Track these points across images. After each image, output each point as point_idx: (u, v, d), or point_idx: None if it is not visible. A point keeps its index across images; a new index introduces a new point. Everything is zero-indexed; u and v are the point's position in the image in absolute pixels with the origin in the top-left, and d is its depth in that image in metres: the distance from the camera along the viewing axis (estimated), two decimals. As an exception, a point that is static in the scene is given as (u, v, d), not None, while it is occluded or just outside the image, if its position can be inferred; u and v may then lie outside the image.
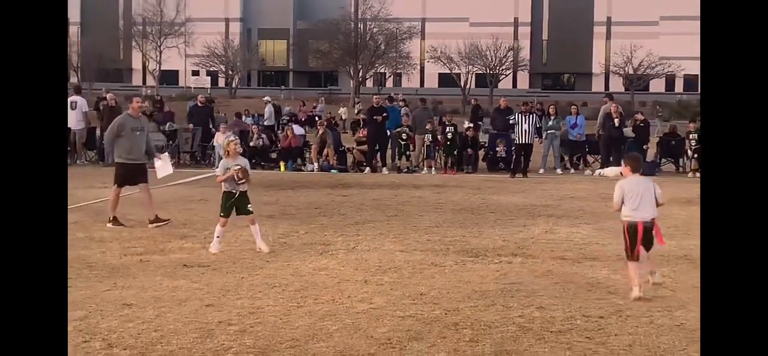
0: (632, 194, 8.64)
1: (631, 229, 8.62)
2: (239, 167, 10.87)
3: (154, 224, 12.62)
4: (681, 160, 24.29)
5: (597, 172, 23.31)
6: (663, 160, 25.09)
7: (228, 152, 10.97)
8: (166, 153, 15.47)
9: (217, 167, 11.09)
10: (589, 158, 25.30)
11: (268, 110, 30.82)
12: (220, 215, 10.87)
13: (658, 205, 8.75)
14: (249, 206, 10.93)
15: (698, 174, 22.71)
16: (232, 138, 11.39)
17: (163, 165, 13.76)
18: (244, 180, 10.85)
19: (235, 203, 10.86)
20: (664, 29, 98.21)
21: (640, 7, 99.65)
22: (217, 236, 10.84)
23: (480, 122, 25.46)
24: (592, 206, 15.46)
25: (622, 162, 9.69)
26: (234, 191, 10.83)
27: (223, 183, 10.91)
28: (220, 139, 24.93)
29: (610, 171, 22.24)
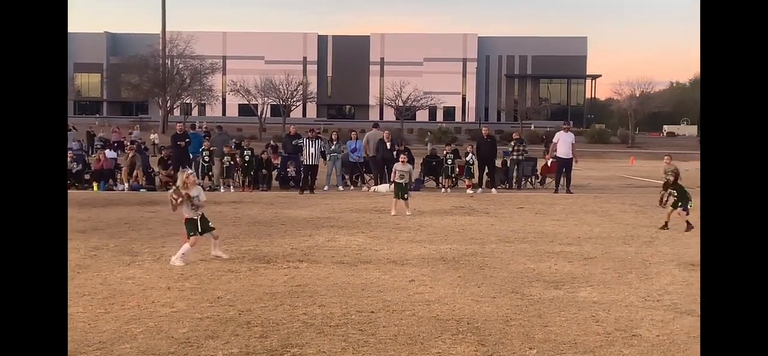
0: (402, 171, 16.97)
1: (397, 185, 16.83)
2: (173, 189, 10.47)
3: None
4: (439, 177, 25.09)
5: (372, 189, 23.77)
6: (426, 177, 25.91)
7: (186, 184, 10.36)
8: None
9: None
10: (366, 177, 25.76)
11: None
12: (190, 235, 10.31)
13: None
14: (210, 224, 10.54)
15: (450, 190, 23.67)
16: (189, 171, 10.79)
17: None
18: (201, 205, 10.51)
19: (199, 225, 10.37)
20: (427, 69, 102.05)
21: (408, 50, 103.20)
22: (183, 253, 10.27)
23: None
24: (368, 218, 15.70)
25: (400, 156, 18.26)
26: (195, 217, 10.36)
27: (184, 211, 10.37)
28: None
29: (382, 188, 22.81)
